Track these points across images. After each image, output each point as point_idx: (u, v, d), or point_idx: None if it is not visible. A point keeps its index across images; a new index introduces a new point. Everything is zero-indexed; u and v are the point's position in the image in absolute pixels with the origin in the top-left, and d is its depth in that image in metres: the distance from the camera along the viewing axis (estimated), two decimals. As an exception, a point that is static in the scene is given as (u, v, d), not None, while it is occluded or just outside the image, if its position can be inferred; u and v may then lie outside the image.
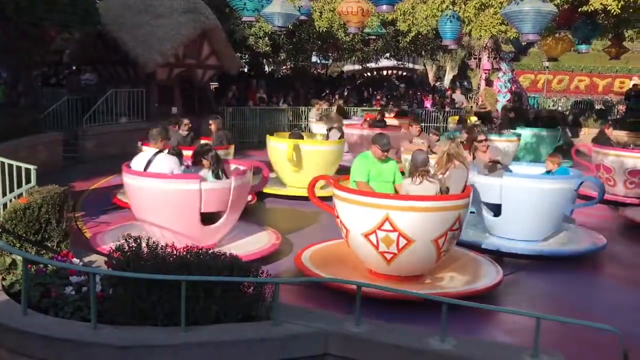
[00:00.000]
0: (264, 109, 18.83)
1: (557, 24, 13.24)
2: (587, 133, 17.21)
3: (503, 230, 7.12)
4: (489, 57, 20.94)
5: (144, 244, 4.19)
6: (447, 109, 21.03)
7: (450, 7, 12.77)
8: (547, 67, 26.42)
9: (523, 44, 15.99)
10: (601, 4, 10.59)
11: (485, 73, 21.54)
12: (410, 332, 3.97)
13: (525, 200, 6.82)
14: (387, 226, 5.07)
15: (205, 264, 3.99)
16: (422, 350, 3.68)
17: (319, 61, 28.30)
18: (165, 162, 6.22)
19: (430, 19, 14.06)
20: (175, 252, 4.12)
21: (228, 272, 3.96)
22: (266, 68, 27.25)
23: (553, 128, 14.97)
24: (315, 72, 29.07)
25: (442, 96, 23.38)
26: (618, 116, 21.36)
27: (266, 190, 9.14)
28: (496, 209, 7.09)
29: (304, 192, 7.18)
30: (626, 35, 16.77)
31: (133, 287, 3.85)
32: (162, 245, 4.22)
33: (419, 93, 23.88)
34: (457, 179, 6.00)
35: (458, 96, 22.33)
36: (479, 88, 22.53)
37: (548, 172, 7.58)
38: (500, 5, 11.95)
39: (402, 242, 5.08)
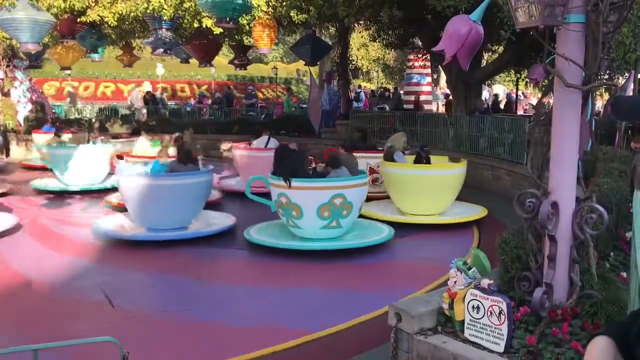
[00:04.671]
0: None
1: (61, 33, 13.19)
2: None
3: None
4: (0, 65, 19.37)
5: None
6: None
7: None
8: (70, 74, 26.05)
9: (33, 52, 15.36)
10: (98, 15, 10.99)
11: (-1, 82, 19.84)
12: None
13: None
14: None
15: None
16: None
17: None
18: None
19: None
20: None
21: None
22: None
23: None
24: None
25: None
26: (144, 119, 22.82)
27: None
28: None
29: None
30: (134, 44, 18.04)
31: None
32: None
33: None
34: None
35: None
36: (-5, 99, 20.59)
37: None
38: (-8, 11, 11.14)
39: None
